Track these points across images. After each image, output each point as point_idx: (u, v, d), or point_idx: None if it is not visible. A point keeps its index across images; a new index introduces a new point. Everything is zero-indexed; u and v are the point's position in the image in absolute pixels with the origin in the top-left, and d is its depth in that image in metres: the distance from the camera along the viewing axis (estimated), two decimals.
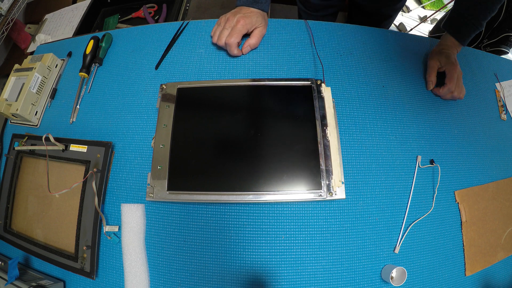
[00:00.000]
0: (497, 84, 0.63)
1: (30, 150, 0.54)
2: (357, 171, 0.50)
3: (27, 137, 0.56)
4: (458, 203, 0.50)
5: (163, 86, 0.52)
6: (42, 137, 0.50)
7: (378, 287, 0.45)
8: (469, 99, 0.59)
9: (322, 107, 0.49)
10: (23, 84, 0.58)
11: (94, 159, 0.51)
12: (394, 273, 0.43)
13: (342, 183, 0.44)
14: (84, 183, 0.50)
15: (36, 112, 0.60)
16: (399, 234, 0.47)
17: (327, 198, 0.43)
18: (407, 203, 0.49)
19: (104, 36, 0.63)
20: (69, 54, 0.66)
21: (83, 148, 0.52)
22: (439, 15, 1.64)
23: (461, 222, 0.50)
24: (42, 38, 0.96)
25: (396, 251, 0.46)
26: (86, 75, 0.60)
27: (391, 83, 0.57)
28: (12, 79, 0.60)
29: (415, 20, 1.76)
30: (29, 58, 0.62)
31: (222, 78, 0.57)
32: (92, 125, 0.56)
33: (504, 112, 0.60)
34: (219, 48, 0.60)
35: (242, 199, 0.44)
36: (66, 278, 0.48)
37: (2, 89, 0.59)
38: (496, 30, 0.98)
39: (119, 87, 0.59)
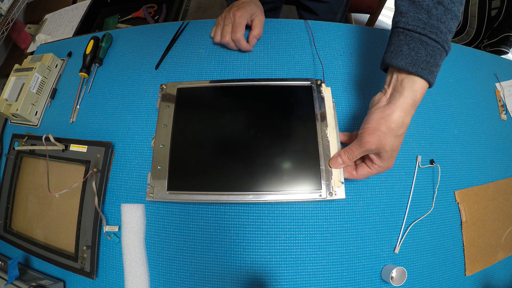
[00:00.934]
0: (497, 84, 0.63)
1: (30, 150, 0.54)
2: None
3: (27, 137, 0.56)
4: (458, 203, 0.50)
5: (163, 86, 0.52)
6: (42, 137, 0.50)
7: (378, 287, 0.45)
8: (469, 99, 0.59)
9: (322, 107, 0.49)
10: (23, 84, 0.58)
11: (94, 159, 0.51)
12: (394, 273, 0.43)
13: (342, 183, 0.44)
14: (84, 183, 0.50)
15: (36, 112, 0.60)
16: (399, 234, 0.47)
17: (327, 198, 0.43)
18: (407, 203, 0.49)
19: (104, 36, 0.63)
20: (69, 54, 0.66)
21: (83, 148, 0.52)
22: None
23: (461, 222, 0.50)
24: (42, 38, 0.96)
25: (396, 251, 0.46)
26: (86, 75, 0.60)
27: None
28: (12, 79, 0.60)
29: None
30: (29, 58, 0.62)
31: (222, 78, 0.57)
32: (92, 125, 0.56)
33: (504, 112, 0.60)
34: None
35: (242, 199, 0.44)
36: (66, 278, 0.48)
37: (2, 89, 0.59)
38: (496, 30, 0.98)
39: (119, 87, 0.59)
